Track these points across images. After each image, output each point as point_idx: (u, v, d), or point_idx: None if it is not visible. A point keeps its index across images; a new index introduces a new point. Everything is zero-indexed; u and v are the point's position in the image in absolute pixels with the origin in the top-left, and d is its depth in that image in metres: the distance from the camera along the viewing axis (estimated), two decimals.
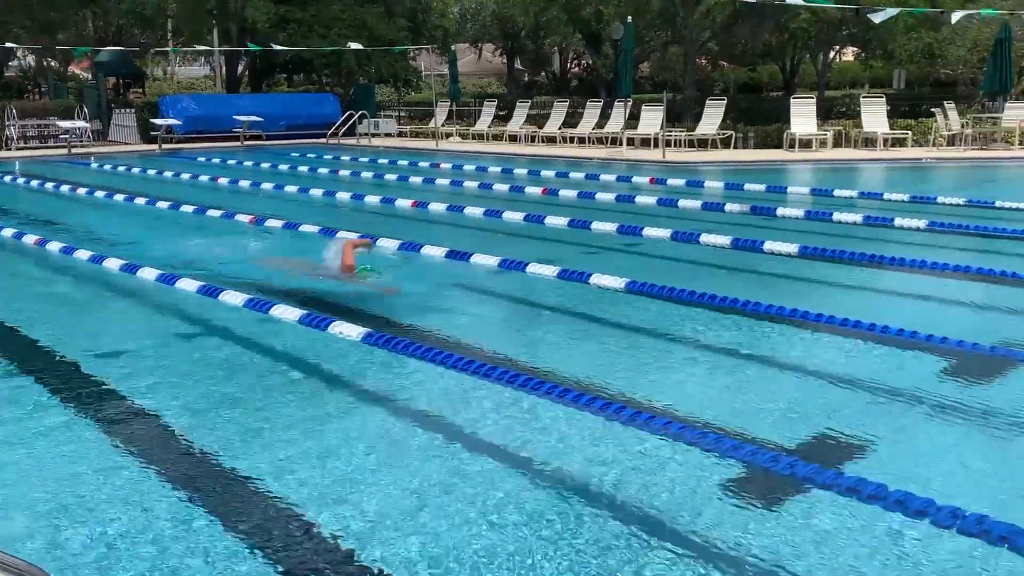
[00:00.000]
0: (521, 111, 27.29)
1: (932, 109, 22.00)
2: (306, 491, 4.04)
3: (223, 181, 18.02)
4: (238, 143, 27.19)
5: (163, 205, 14.04)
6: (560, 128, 25.32)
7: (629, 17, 22.37)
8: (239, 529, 3.73)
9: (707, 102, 23.07)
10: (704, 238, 10.14)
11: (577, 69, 42.32)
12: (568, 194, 14.87)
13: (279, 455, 4.44)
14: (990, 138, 20.96)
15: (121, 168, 21.01)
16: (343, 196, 15.33)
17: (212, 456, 4.48)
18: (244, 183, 17.58)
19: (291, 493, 4.02)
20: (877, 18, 20.84)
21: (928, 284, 8.16)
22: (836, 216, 11.61)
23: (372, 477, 4.21)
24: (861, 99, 22.83)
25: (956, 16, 20.60)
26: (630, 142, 22.74)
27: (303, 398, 5.38)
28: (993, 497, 3.89)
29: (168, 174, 19.44)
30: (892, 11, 20.87)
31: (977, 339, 6.01)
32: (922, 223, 10.88)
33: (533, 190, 15.66)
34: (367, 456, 4.47)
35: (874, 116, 21.32)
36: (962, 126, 20.90)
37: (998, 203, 12.45)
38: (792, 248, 9.46)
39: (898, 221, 11.04)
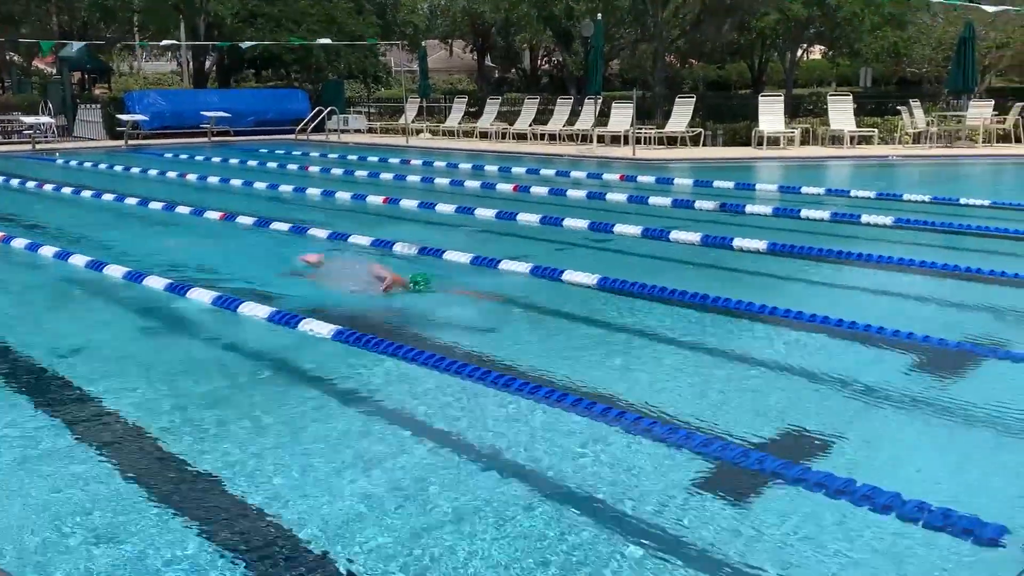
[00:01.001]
0: (492, 108, 27.29)
1: (898, 107, 22.26)
2: (275, 488, 4.04)
3: (191, 177, 17.86)
4: (205, 139, 26.96)
5: (131, 202, 13.90)
6: (531, 125, 25.35)
7: (599, 14, 22.42)
8: (205, 529, 3.71)
9: (676, 100, 23.20)
10: (674, 235, 10.20)
11: (547, 66, 42.36)
12: (539, 191, 14.90)
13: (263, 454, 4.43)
14: (955, 136, 21.25)
15: (87, 164, 20.76)
16: (313, 192, 15.26)
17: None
18: (213, 179, 17.43)
19: (261, 489, 4.01)
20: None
21: (895, 280, 8.27)
22: (804, 213, 11.72)
23: (343, 476, 4.21)
24: (828, 97, 23.05)
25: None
26: (600, 139, 22.81)
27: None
28: (958, 490, 3.96)
29: (135, 170, 19.25)
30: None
31: (943, 334, 6.10)
32: (888, 220, 11.01)
33: (504, 187, 15.68)
34: (335, 455, 4.46)
35: (841, 114, 21.54)
36: (927, 124, 21.17)
37: (963, 200, 12.64)
38: (761, 245, 9.55)
39: (865, 218, 11.17)
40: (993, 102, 22.03)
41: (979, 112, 21.15)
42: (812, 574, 3.34)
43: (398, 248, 9.67)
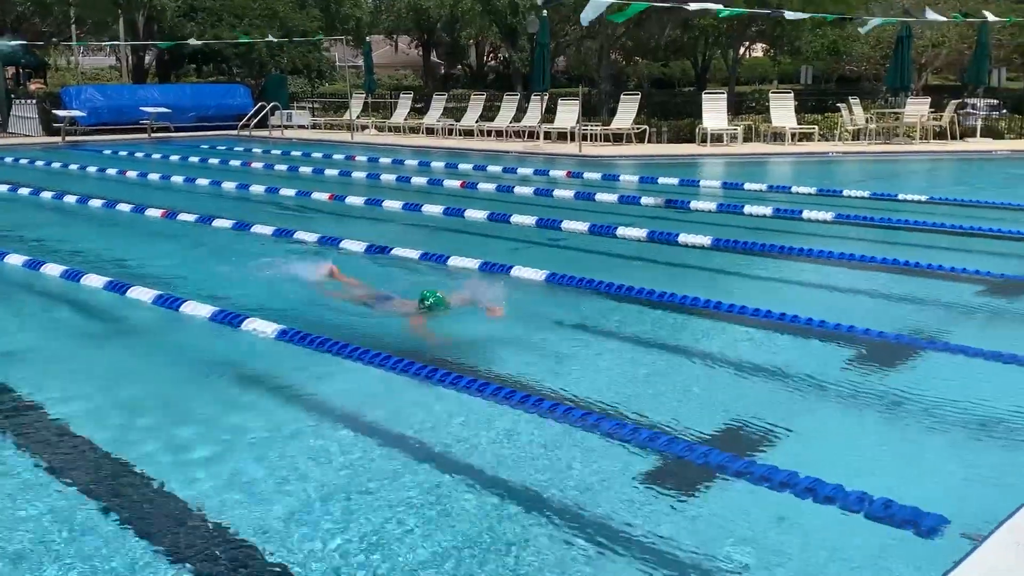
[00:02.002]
0: (438, 104, 27.18)
1: (838, 104, 22.66)
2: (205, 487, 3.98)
3: (132, 174, 17.51)
4: (145, 135, 26.47)
5: (71, 199, 13.59)
6: (477, 122, 25.31)
7: (545, 11, 22.46)
8: (144, 532, 3.65)
9: (622, 97, 23.34)
10: (621, 231, 10.27)
11: (494, 62, 42.35)
12: (487, 188, 14.88)
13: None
14: (892, 132, 21.70)
15: (24, 161, 20.24)
16: (257, 189, 15.07)
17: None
18: (153, 176, 17.12)
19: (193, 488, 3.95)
20: (789, 15, 21.32)
21: (835, 275, 8.41)
22: (747, 209, 11.88)
23: (286, 478, 4.16)
24: (770, 94, 23.37)
25: (871, 22, 21.18)
26: (547, 136, 22.86)
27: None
28: (899, 481, 4.04)
29: (74, 167, 18.82)
30: (804, 15, 21.42)
31: (883, 327, 6.23)
32: (829, 215, 11.20)
33: (452, 183, 15.63)
34: (279, 458, 4.41)
35: (782, 111, 21.85)
36: (866, 121, 21.57)
37: (900, 196, 12.91)
38: (705, 240, 9.65)
39: (806, 213, 11.35)
40: (929, 99, 22.54)
41: (916, 109, 21.62)
42: (758, 566, 3.38)
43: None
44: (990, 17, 21.41)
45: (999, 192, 13.34)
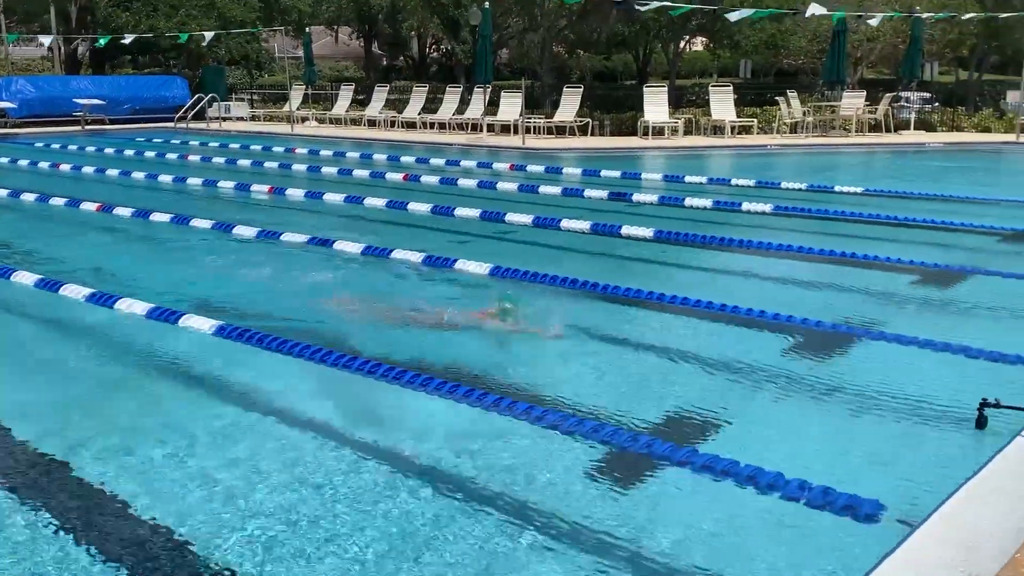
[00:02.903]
0: (380, 96, 26.99)
1: (776, 98, 22.99)
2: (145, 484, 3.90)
3: (65, 168, 17.09)
4: (79, 128, 25.85)
5: (1, 193, 13.21)
6: (420, 113, 25.17)
7: (486, 3, 22.39)
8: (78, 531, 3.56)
9: (564, 89, 23.40)
10: (564, 223, 10.29)
11: (436, 54, 42.12)
12: (430, 180, 14.81)
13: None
14: (829, 125, 22.09)
15: None
16: (194, 182, 14.80)
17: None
18: (88, 169, 16.72)
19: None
20: (733, 17, 21.64)
21: (774, 265, 8.53)
22: (688, 201, 11.99)
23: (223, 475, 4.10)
24: (710, 88, 23.62)
25: (812, 10, 21.49)
26: (490, 128, 22.84)
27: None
28: (838, 468, 4.11)
29: (4, 160, 18.29)
30: (747, 11, 21.72)
31: (820, 317, 6.33)
32: (768, 207, 11.36)
33: (394, 176, 15.53)
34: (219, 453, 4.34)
35: (722, 104, 22.11)
36: (803, 114, 21.93)
37: (837, 187, 13.14)
38: (648, 232, 9.72)
39: (745, 206, 11.50)
40: (865, 93, 22.99)
41: (852, 103, 22.04)
42: (700, 554, 3.41)
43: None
44: (925, 13, 21.91)
45: (932, 184, 13.66)
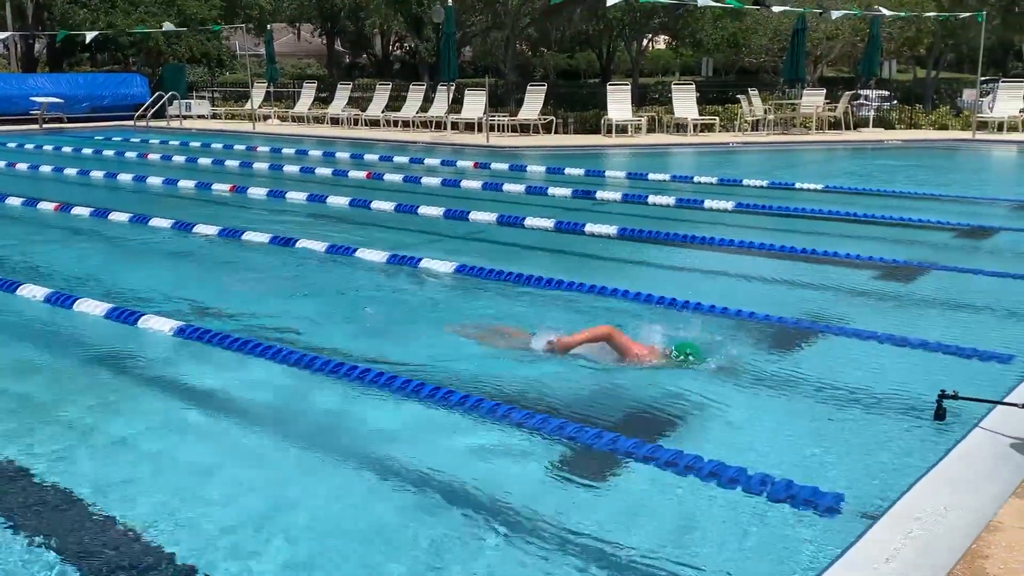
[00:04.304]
0: (343, 93, 26.83)
1: (738, 96, 23.18)
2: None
3: (22, 167, 16.82)
4: (36, 126, 25.44)
5: None
6: (383, 111, 25.07)
7: (450, 0, 22.36)
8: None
9: (528, 88, 23.42)
10: (529, 221, 10.30)
11: (400, 52, 41.98)
12: (394, 178, 14.76)
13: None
14: (790, 123, 22.31)
15: None
16: (154, 181, 14.62)
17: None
18: (45, 168, 16.46)
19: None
20: (701, 1, 21.68)
21: (735, 262, 8.59)
22: (651, 199, 12.06)
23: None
24: (672, 86, 23.76)
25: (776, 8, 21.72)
26: (454, 126, 22.80)
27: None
28: (798, 461, 4.15)
29: None
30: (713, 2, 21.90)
31: (781, 313, 6.39)
32: (730, 204, 11.45)
33: (357, 174, 15.45)
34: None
35: (685, 103, 22.25)
36: (764, 112, 22.13)
37: (797, 185, 13.28)
38: (611, 230, 9.76)
39: (708, 203, 11.58)
40: (825, 91, 23.26)
41: (812, 100, 22.29)
42: (662, 549, 3.43)
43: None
44: (886, 12, 22.21)
45: (891, 180, 13.85)
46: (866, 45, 23.59)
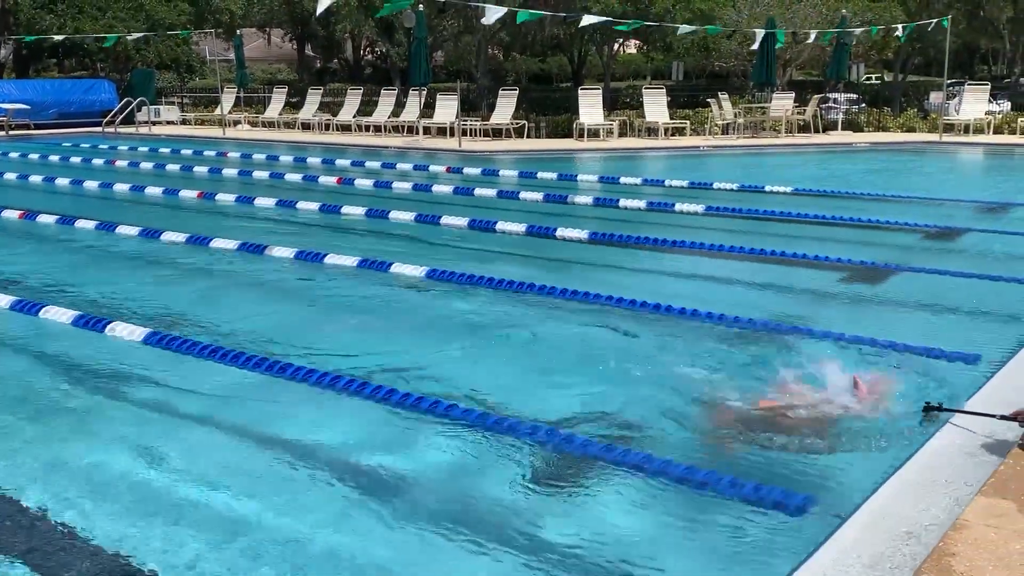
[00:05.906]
0: (314, 98, 26.71)
1: (708, 100, 23.32)
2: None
3: None
4: (2, 133, 25.14)
5: None
6: (355, 116, 24.98)
7: (421, 5, 22.32)
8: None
9: (500, 92, 23.43)
10: (500, 225, 10.29)
11: (371, 56, 41.85)
12: (365, 183, 14.70)
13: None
14: (760, 127, 22.47)
15: None
16: (122, 188, 14.47)
17: None
18: (10, 176, 16.25)
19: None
20: (682, 30, 22.04)
21: (706, 265, 8.63)
22: (623, 202, 12.09)
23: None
24: (643, 90, 23.86)
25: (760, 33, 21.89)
26: (426, 131, 22.77)
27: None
28: (768, 462, 4.16)
29: None
30: (690, 28, 22.16)
31: (751, 315, 6.41)
32: (700, 208, 11.50)
33: (328, 179, 15.38)
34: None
35: (656, 107, 22.35)
36: (735, 116, 22.28)
37: (767, 187, 13.36)
38: (583, 234, 9.77)
39: (679, 206, 11.63)
40: (794, 94, 23.46)
41: (781, 104, 22.46)
42: (628, 553, 3.43)
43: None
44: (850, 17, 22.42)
45: (860, 182, 13.98)
46: (834, 49, 23.82)
